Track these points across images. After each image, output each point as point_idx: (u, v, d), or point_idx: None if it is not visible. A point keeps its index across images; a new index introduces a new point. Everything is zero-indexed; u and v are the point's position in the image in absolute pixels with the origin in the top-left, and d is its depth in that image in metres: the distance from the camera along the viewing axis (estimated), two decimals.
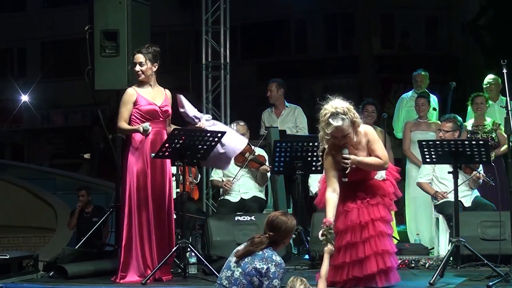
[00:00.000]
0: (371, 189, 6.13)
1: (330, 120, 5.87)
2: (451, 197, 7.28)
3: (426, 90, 9.67)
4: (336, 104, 5.92)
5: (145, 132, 6.62)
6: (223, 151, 7.06)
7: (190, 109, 6.97)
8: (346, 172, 5.99)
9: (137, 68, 6.72)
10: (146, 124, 6.63)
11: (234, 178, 8.28)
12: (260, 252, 5.16)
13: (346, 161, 5.97)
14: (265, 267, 5.10)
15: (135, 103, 6.68)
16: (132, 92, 6.69)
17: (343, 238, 6.12)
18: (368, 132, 6.12)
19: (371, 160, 6.06)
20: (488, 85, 9.25)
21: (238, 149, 7.35)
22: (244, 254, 5.15)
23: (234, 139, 7.22)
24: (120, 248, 6.66)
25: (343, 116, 5.88)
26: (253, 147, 8.43)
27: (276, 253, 5.20)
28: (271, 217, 5.30)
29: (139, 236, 6.62)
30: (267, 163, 8.37)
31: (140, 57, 6.72)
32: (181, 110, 6.99)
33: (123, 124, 6.68)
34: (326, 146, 6.10)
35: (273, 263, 5.12)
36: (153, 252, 6.63)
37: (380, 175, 6.24)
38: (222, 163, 7.29)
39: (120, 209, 7.00)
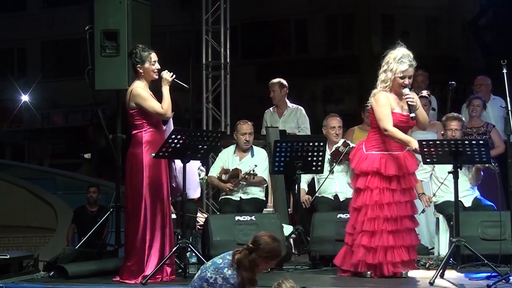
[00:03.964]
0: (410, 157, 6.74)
1: (404, 59, 6.59)
2: (451, 197, 7.27)
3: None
4: (405, 50, 6.67)
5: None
6: (174, 185, 7.11)
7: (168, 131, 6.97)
8: (415, 108, 6.59)
9: (158, 66, 6.69)
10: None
11: (249, 174, 8.25)
12: (220, 262, 5.12)
13: (411, 96, 6.57)
14: (213, 277, 5.06)
15: None
16: (145, 90, 6.63)
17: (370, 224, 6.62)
18: (416, 96, 6.84)
19: (423, 112, 6.77)
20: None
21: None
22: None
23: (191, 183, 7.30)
24: (143, 247, 6.55)
25: (412, 60, 6.64)
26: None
27: (232, 269, 5.07)
28: (258, 234, 5.23)
29: (161, 234, 6.62)
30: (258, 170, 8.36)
31: (156, 57, 6.71)
32: (165, 127, 7.02)
33: (162, 105, 6.55)
34: (380, 88, 6.71)
35: (221, 276, 5.05)
36: (165, 250, 6.64)
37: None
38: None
39: (121, 209, 7.00)
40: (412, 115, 6.60)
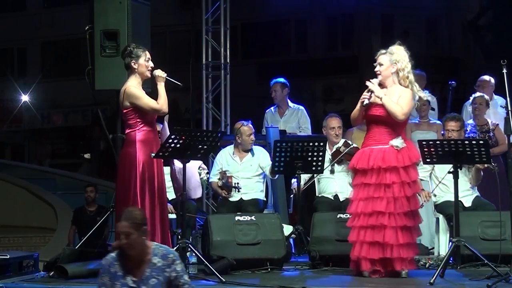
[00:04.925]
0: (389, 154, 6.66)
1: (380, 51, 6.81)
2: (451, 197, 7.27)
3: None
4: (398, 47, 6.82)
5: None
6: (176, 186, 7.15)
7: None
8: (370, 95, 6.66)
9: (152, 64, 6.69)
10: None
11: (234, 187, 8.25)
12: None
13: (370, 82, 6.69)
14: None
15: None
16: (138, 88, 6.62)
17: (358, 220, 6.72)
18: (406, 92, 6.74)
19: (391, 102, 6.64)
20: None
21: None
22: None
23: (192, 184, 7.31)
24: None
25: (390, 52, 6.78)
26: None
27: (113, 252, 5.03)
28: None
29: (151, 234, 6.58)
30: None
31: (149, 55, 6.71)
32: (161, 130, 7.01)
33: (158, 101, 6.54)
34: None
35: None
36: None
37: (398, 143, 6.67)
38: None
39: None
40: (365, 102, 6.66)
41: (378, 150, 6.70)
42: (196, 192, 7.73)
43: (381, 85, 6.77)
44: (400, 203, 6.62)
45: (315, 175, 8.30)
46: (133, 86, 6.61)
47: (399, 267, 6.61)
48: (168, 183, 7.60)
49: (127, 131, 6.68)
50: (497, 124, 8.84)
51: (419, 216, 6.87)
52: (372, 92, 6.68)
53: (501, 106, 7.53)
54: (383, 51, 6.80)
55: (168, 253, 4.95)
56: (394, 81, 6.78)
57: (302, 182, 8.18)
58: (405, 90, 6.77)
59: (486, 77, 9.50)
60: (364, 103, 6.69)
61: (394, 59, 6.75)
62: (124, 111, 6.64)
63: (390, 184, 6.62)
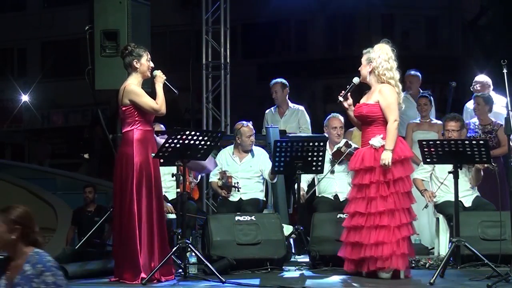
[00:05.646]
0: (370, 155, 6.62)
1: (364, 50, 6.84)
2: (451, 197, 7.28)
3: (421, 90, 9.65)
4: (379, 45, 6.77)
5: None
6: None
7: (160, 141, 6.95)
8: (345, 94, 6.81)
9: (152, 64, 6.70)
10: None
11: (234, 186, 8.24)
12: None
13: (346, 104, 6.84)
14: None
15: None
16: (139, 87, 6.63)
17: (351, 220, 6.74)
18: (383, 90, 6.68)
19: (389, 139, 6.54)
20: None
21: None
22: None
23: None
24: (134, 245, 6.47)
25: (370, 51, 6.75)
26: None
27: None
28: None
29: (151, 233, 6.59)
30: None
31: (149, 55, 6.72)
32: (159, 138, 7.03)
33: (157, 101, 6.56)
34: None
35: None
36: (155, 251, 6.61)
37: (375, 142, 6.60)
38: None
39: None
40: (339, 99, 6.80)
41: (360, 151, 6.77)
42: (212, 164, 7.86)
43: (364, 84, 6.86)
44: (375, 204, 6.58)
45: (315, 176, 8.31)
46: (133, 84, 6.63)
47: (373, 266, 6.56)
48: (168, 183, 7.63)
49: (125, 129, 6.66)
50: (501, 125, 8.82)
51: (406, 214, 6.63)
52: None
53: (502, 106, 7.51)
54: (365, 50, 6.83)
55: (39, 262, 4.51)
56: (374, 79, 6.79)
57: (304, 184, 8.20)
58: (383, 87, 6.70)
59: (482, 78, 9.46)
60: (338, 101, 6.81)
61: (371, 58, 6.76)
62: (123, 108, 6.63)
63: (368, 185, 6.63)
